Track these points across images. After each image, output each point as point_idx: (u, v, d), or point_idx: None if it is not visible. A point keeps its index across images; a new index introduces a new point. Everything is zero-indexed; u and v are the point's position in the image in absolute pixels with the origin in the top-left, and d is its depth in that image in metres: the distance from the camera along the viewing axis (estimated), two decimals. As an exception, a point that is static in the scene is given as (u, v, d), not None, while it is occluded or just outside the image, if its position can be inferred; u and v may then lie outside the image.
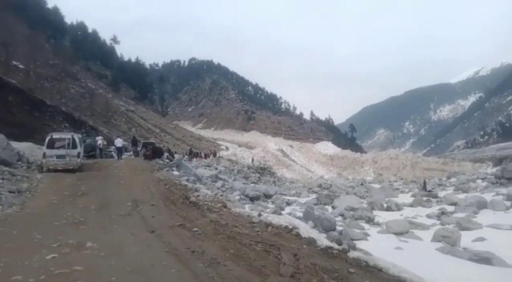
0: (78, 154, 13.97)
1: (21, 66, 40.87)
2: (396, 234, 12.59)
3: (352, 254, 4.46)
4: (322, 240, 5.25)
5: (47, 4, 77.96)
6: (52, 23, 71.73)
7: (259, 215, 7.00)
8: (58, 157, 13.53)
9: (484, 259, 8.80)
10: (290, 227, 5.82)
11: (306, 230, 5.77)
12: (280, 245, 4.97)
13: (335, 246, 4.82)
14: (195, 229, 6.15)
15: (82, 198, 9.17)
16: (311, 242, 5.08)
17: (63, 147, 13.65)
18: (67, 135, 14.49)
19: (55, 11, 80.00)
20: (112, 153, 25.34)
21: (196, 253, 4.83)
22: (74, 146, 13.82)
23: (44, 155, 13.44)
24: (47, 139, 13.68)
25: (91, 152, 19.91)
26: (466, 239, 11.51)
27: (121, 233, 6.09)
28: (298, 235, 5.50)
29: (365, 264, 4.14)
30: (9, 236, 5.67)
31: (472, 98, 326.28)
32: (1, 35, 39.19)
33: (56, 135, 14.21)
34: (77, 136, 14.62)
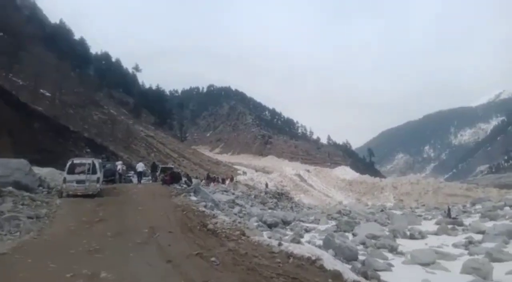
0: (98, 179, 14.07)
1: (47, 94, 42.68)
2: (422, 264, 11.94)
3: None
4: (348, 272, 4.93)
5: (74, 35, 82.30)
6: (78, 54, 75.38)
7: (280, 244, 6.72)
8: (78, 182, 13.66)
9: (522, 294, 8.17)
10: (313, 258, 5.52)
11: (330, 261, 5.45)
12: (303, 279, 4.68)
13: (363, 280, 4.49)
14: (213, 259, 5.92)
15: (100, 224, 9.11)
16: (337, 275, 4.77)
17: (83, 172, 13.79)
18: (87, 160, 14.68)
19: (82, 42, 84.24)
20: (131, 178, 25.56)
21: (214, 286, 4.59)
22: (94, 171, 13.95)
23: (65, 180, 13.60)
24: (68, 165, 13.88)
25: (110, 176, 20.10)
26: (498, 271, 10.79)
27: (137, 262, 5.91)
28: (322, 267, 5.19)
29: (397, 303, 3.81)
30: (23, 265, 5.56)
31: (494, 122, 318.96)
32: (31, 65, 41.25)
33: (77, 161, 14.42)
34: (97, 162, 14.79)
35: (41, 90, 42.17)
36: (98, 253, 6.47)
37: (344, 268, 5.35)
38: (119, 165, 24.42)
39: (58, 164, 20.56)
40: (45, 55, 52.30)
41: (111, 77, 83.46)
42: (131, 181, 24.58)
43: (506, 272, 10.80)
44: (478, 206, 35.96)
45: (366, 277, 5.55)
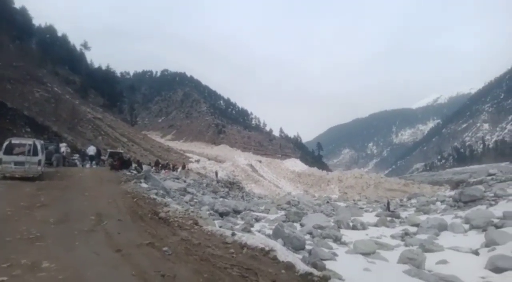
0: (39, 161, 13.07)
1: (-20, 65, 38.43)
2: (364, 254, 12.69)
3: (333, 281, 4.31)
4: (300, 264, 5.08)
5: (14, 3, 74.39)
6: (19, 24, 68.39)
7: (233, 234, 6.74)
8: (17, 163, 12.60)
9: (449, 282, 8.99)
10: (267, 249, 5.60)
11: (283, 252, 5.57)
12: (257, 270, 4.72)
13: (315, 272, 4.65)
14: (165, 248, 5.77)
15: (41, 210, 8.46)
16: (290, 266, 4.88)
17: (22, 153, 12.72)
18: (28, 141, 13.55)
19: (23, 12, 76.40)
20: (76, 161, 24.15)
21: (167, 277, 4.47)
22: (35, 153, 12.93)
23: (0, 161, 12.46)
24: (5, 144, 12.72)
25: (53, 159, 18.76)
26: (430, 261, 11.79)
27: (83, 251, 5.57)
28: (275, 258, 5.29)
29: (347, 293, 4.00)
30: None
31: (431, 124, 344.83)
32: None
33: (15, 141, 13.25)
34: (39, 143, 13.71)
35: (-28, 61, 37.97)
36: (39, 241, 6.00)
37: (296, 260, 5.50)
38: (63, 147, 22.94)
39: (-8, 143, 18.79)
40: (-24, 22, 47.04)
41: (55, 53, 76.76)
42: (75, 165, 23.22)
43: (436, 261, 11.84)
44: (413, 201, 38.91)
45: (315, 268, 5.75)
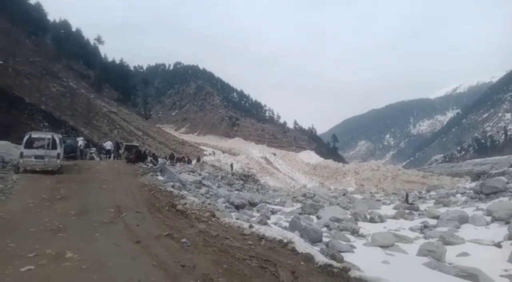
0: (58, 154, 13.33)
1: (-1, 61, 39.37)
2: (382, 246, 12.55)
3: (354, 273, 4.23)
4: (319, 255, 5.01)
5: (29, -1, 75.76)
6: (34, 20, 69.69)
7: (251, 226, 6.72)
8: (37, 157, 12.87)
9: (472, 275, 8.77)
10: (285, 241, 5.56)
11: (301, 244, 5.52)
12: (276, 261, 4.68)
13: (335, 263, 4.58)
14: (184, 240, 5.80)
15: (61, 202, 8.65)
16: (309, 258, 4.83)
17: (42, 147, 12.99)
18: (47, 135, 13.83)
19: (38, 7, 77.80)
20: (93, 154, 24.65)
21: (187, 268, 4.49)
22: (54, 146, 13.19)
23: (22, 155, 12.75)
24: (25, 139, 13.01)
25: (71, 153, 19.14)
26: (451, 253, 11.57)
27: (104, 242, 5.67)
28: (294, 250, 5.24)
29: (369, 285, 3.92)
30: (-21, 244, 5.17)
31: (450, 114, 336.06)
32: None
33: (35, 135, 13.54)
34: (57, 137, 13.98)
35: (-9, 57, 38.86)
36: (61, 232, 6.14)
37: (314, 251, 5.44)
38: (80, 141, 23.39)
39: (12, 138, 19.31)
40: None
41: (70, 48, 78.07)
42: (93, 158, 23.69)
43: (457, 254, 11.60)
44: (432, 193, 38.24)
45: (334, 260, 5.68)
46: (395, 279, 5.17)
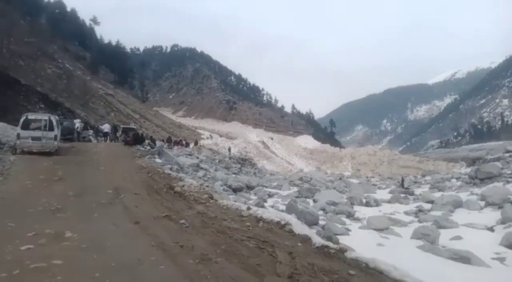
0: (55, 136, 13.27)
1: (-7, 41, 38.61)
2: (377, 230, 12.75)
3: (350, 254, 4.30)
4: (315, 237, 5.08)
5: (23, -21, 73.77)
6: (28, 0, 68.12)
7: (248, 208, 6.78)
8: (34, 138, 12.80)
9: (464, 258, 8.97)
10: (283, 222, 5.62)
11: (299, 226, 5.60)
12: (273, 242, 4.75)
13: (331, 244, 4.65)
14: (182, 221, 5.86)
15: (59, 184, 8.66)
16: (306, 239, 4.89)
17: (39, 128, 12.91)
18: (43, 116, 13.73)
19: (32, -14, 75.99)
20: (90, 137, 24.56)
21: (185, 248, 4.54)
22: (51, 128, 13.11)
23: (18, 136, 12.67)
24: (22, 120, 12.89)
25: (68, 135, 19.05)
26: (444, 237, 11.78)
27: (103, 223, 5.71)
28: (291, 231, 5.31)
29: (365, 265, 3.98)
30: (-23, 223, 5.19)
31: (447, 100, 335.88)
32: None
33: (32, 116, 13.43)
34: (54, 118, 13.89)
35: (-16, 37, 38.08)
36: (60, 212, 6.17)
37: (312, 233, 5.52)
38: (77, 123, 23.26)
39: (8, 119, 19.11)
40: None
41: (65, 29, 76.53)
42: (90, 140, 23.61)
43: (450, 238, 11.80)
44: (428, 178, 38.63)
45: (331, 242, 5.77)
46: (389, 261, 5.25)
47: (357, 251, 6.90)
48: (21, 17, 57.62)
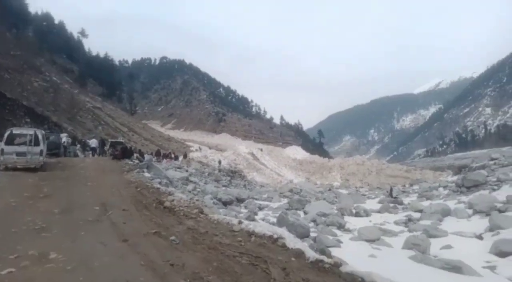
0: (41, 151, 12.97)
1: (-23, 55, 38.06)
2: (368, 241, 12.73)
3: (345, 268, 4.24)
4: (309, 251, 5.02)
5: (9, -9, 73.26)
6: (15, 12, 67.58)
7: (240, 222, 6.68)
8: (18, 154, 12.48)
9: (456, 267, 8.99)
10: (275, 236, 5.54)
11: (291, 239, 5.52)
12: (266, 257, 4.66)
13: (326, 259, 4.59)
14: (172, 237, 5.71)
15: (45, 201, 8.40)
16: (299, 254, 4.82)
17: (24, 143, 12.60)
18: (29, 131, 13.42)
19: (18, -1, 75.50)
20: (77, 151, 24.17)
21: (176, 267, 4.41)
22: (36, 143, 12.81)
23: (2, 152, 12.33)
24: (6, 135, 12.58)
25: (54, 149, 18.66)
26: (434, 246, 11.82)
27: (90, 241, 5.52)
28: (284, 246, 5.23)
29: (361, 280, 3.93)
30: (-43, 246, 4.95)
31: (432, 109, 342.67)
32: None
33: (16, 131, 13.12)
34: (40, 133, 13.59)
35: (-30, 51, 37.56)
36: (45, 231, 5.95)
37: (305, 247, 5.45)
38: (64, 137, 22.85)
39: (-7, 134, 18.68)
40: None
41: (53, 41, 75.97)
42: (77, 155, 23.22)
43: (440, 247, 11.86)
44: (415, 187, 38.98)
45: (324, 255, 5.70)
46: (383, 273, 5.22)
47: (350, 263, 6.87)
48: (7, 29, 57.14)
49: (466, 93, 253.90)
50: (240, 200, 20.47)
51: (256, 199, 23.34)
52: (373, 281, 3.78)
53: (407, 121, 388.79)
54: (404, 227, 16.32)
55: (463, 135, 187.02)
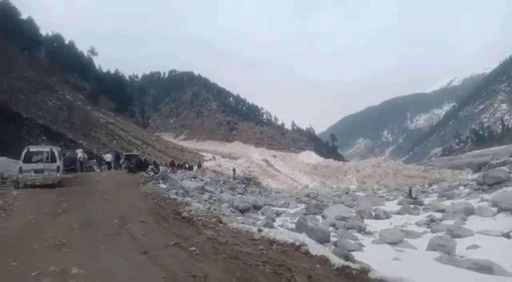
0: (58, 167, 13.15)
1: (-7, 77, 39.24)
2: (390, 243, 12.38)
3: (374, 274, 4.06)
4: (334, 257, 4.84)
5: (21, 15, 75.74)
6: (27, 35, 69.76)
7: (259, 230, 6.54)
8: (36, 171, 12.68)
9: (485, 268, 8.62)
10: (297, 243, 5.38)
11: (314, 246, 5.35)
12: (290, 265, 4.51)
13: (352, 265, 4.41)
14: (192, 248, 5.62)
15: (64, 216, 8.45)
16: (324, 260, 4.65)
17: (41, 160, 12.81)
18: (45, 148, 13.66)
19: (30, 22, 77.89)
20: (93, 166, 24.51)
21: (198, 278, 4.31)
22: (53, 160, 13.01)
23: (21, 170, 12.55)
24: (23, 153, 12.82)
25: (71, 165, 18.95)
26: (460, 246, 11.41)
27: (110, 255, 5.48)
28: (307, 252, 5.06)
29: (392, 286, 3.75)
30: (-21, 265, 4.95)
31: (446, 107, 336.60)
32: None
33: (33, 149, 13.36)
34: (56, 149, 13.81)
35: (-16, 74, 38.75)
36: (65, 247, 5.94)
37: (329, 253, 5.27)
38: (80, 153, 23.22)
39: (11, 154, 19.07)
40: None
41: (64, 61, 78.10)
42: (93, 170, 23.53)
43: (466, 247, 11.43)
44: (435, 186, 38.05)
45: (347, 260, 5.52)
46: (411, 277, 5.00)
47: (375, 268, 6.65)
48: (20, 52, 58.91)
49: (480, 90, 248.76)
50: (257, 207, 20.30)
51: (272, 206, 23.12)
52: (406, 286, 3.58)
53: (421, 121, 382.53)
54: (426, 227, 15.85)
55: (480, 132, 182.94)
